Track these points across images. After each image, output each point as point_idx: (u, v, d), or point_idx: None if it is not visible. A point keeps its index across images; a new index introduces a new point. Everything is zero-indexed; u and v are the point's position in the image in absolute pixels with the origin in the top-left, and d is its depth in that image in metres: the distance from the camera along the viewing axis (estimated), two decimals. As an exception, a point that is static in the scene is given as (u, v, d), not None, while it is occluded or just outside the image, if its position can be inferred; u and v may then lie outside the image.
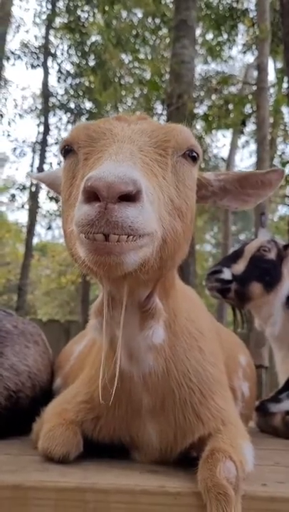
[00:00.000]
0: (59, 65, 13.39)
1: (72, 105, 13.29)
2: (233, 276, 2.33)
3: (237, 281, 2.32)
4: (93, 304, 1.16)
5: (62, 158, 1.16)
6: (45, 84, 13.32)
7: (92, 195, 0.83)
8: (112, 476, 1.11)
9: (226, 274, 2.33)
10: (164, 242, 0.97)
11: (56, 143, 13.44)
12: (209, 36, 12.38)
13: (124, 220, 0.82)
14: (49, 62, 13.48)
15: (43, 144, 13.00)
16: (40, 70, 13.65)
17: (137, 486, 1.04)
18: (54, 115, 13.64)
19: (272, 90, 11.42)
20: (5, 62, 12.99)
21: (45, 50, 13.38)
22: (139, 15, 12.68)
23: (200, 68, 12.65)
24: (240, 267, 2.35)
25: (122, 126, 1.08)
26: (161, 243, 0.96)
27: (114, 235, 0.83)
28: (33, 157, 14.59)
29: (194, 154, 1.13)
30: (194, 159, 1.13)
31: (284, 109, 11.37)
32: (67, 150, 1.12)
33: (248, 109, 9.97)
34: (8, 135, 14.71)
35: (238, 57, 17.53)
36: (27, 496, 1.03)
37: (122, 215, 0.82)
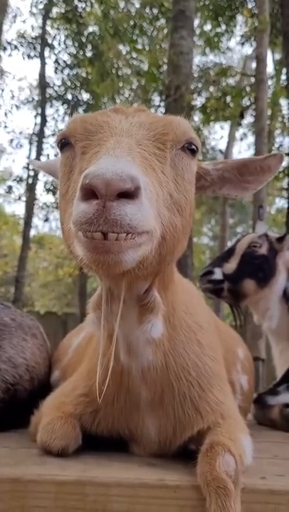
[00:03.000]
0: (56, 55, 13.28)
1: (69, 96, 13.20)
2: (225, 275, 2.34)
3: (229, 280, 2.33)
4: (91, 297, 1.16)
5: (59, 152, 1.14)
6: (42, 75, 13.21)
7: (90, 193, 0.81)
8: (112, 469, 1.11)
9: (217, 274, 2.35)
10: (163, 238, 0.96)
11: (53, 134, 13.36)
12: (207, 27, 12.30)
13: (123, 217, 0.81)
14: (46, 53, 13.36)
15: (40, 135, 12.92)
16: (37, 61, 13.59)
17: (137, 480, 1.04)
18: (51, 106, 13.56)
19: (270, 82, 11.35)
20: (1, 53, 12.91)
21: (42, 41, 13.25)
22: (137, 5, 12.58)
23: (198, 60, 12.58)
24: (232, 265, 2.36)
25: (119, 118, 1.06)
26: (160, 240, 0.95)
27: (113, 234, 0.82)
28: (30, 148, 14.52)
29: (193, 147, 1.11)
30: (193, 152, 1.12)
31: (282, 101, 11.32)
32: (63, 143, 1.10)
33: (246, 101, 9.93)
34: (5, 126, 14.58)
35: (236, 49, 17.40)
36: (26, 489, 1.03)
37: (120, 213, 0.81)
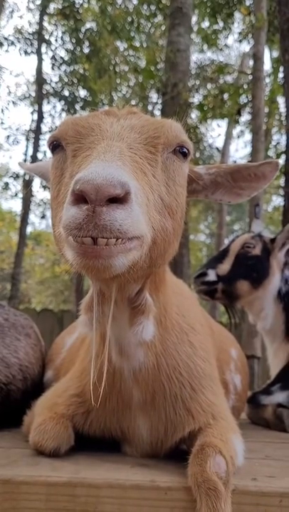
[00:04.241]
0: (53, 51, 13.21)
1: (66, 93, 13.14)
2: (218, 276, 2.36)
3: (223, 282, 2.35)
4: (83, 299, 1.16)
5: (50, 154, 1.13)
6: (39, 71, 13.14)
7: (80, 198, 0.81)
8: (103, 470, 1.11)
9: (211, 275, 2.36)
10: (154, 242, 0.96)
11: (50, 131, 13.31)
12: (205, 24, 12.25)
13: (113, 223, 0.80)
14: (43, 49, 13.29)
15: (37, 131, 12.86)
16: (34, 57, 13.47)
17: (128, 481, 1.04)
18: (48, 103, 13.49)
19: (267, 80, 11.34)
20: (-2, 49, 12.82)
21: (39, 37, 13.18)
22: (134, 1, 12.51)
23: (195, 57, 12.55)
24: (226, 266, 2.38)
25: (111, 121, 1.06)
26: (151, 244, 0.95)
27: (103, 239, 0.81)
28: (27, 145, 14.45)
29: (185, 150, 1.11)
30: (185, 155, 1.11)
31: (279, 99, 11.30)
32: (55, 145, 1.09)
33: (243, 98, 9.91)
34: (2, 122, 14.55)
35: (234, 46, 17.36)
36: (18, 490, 1.03)
37: (110, 218, 0.80)
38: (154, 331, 1.15)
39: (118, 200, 0.81)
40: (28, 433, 1.32)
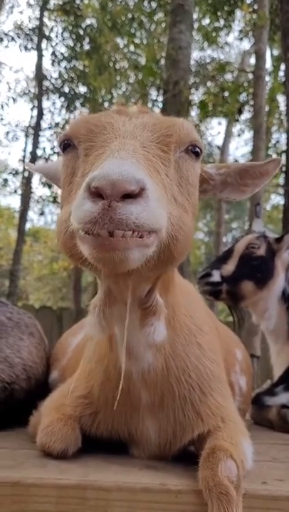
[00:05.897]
0: (53, 47, 13.16)
1: (66, 89, 13.10)
2: (223, 277, 2.35)
3: (227, 282, 2.34)
4: (92, 299, 1.14)
5: (61, 153, 1.12)
6: (38, 67, 13.10)
7: (94, 194, 0.81)
8: (111, 473, 1.10)
9: (215, 276, 2.36)
10: (169, 239, 0.95)
11: (50, 127, 13.30)
12: (206, 22, 12.20)
13: (129, 216, 0.80)
14: (43, 45, 13.24)
15: (37, 128, 12.83)
16: (33, 53, 13.42)
17: (138, 484, 1.03)
18: (48, 99, 13.46)
19: (267, 78, 11.30)
20: (-2, 44, 12.76)
21: (39, 33, 13.12)
22: (135, -2, 12.46)
23: (196, 55, 12.51)
24: (230, 267, 2.37)
25: (123, 120, 1.05)
26: (166, 241, 0.94)
27: (119, 231, 0.81)
28: (26, 141, 14.41)
29: (197, 150, 1.10)
30: (197, 155, 1.11)
31: (279, 97, 11.28)
32: (66, 144, 1.08)
33: (243, 97, 9.89)
34: (1, 119, 14.48)
35: (235, 44, 17.31)
36: (28, 493, 1.02)
37: (126, 212, 0.80)
38: (165, 333, 1.14)
39: (133, 196, 0.81)
40: (34, 434, 1.31)
